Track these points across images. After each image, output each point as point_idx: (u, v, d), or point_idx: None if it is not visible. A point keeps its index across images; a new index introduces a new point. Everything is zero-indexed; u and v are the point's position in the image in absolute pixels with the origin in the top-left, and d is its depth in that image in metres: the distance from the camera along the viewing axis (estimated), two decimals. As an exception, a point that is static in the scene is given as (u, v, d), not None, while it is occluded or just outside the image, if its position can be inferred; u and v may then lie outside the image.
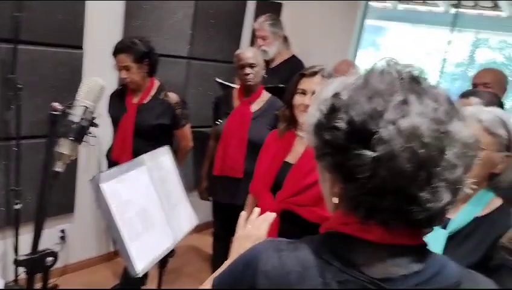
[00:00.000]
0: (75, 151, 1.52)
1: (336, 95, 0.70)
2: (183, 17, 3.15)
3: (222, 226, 2.87)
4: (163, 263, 1.91)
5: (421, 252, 0.71)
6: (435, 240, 1.32)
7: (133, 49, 2.41)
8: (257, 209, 1.19)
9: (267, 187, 1.85)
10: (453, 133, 0.64)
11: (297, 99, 1.79)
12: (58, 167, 1.51)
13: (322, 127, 0.70)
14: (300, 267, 0.71)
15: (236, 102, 2.73)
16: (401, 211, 0.65)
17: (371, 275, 0.68)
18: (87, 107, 1.52)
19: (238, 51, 2.71)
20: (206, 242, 3.29)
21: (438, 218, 0.68)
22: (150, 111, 2.55)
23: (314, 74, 1.77)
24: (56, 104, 1.49)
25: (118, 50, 2.43)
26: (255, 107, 2.66)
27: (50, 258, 1.56)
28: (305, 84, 1.78)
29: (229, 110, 2.72)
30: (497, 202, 1.31)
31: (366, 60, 3.80)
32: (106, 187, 1.51)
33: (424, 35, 3.88)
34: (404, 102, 0.64)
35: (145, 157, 1.72)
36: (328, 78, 1.74)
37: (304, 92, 1.78)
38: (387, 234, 0.68)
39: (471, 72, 3.28)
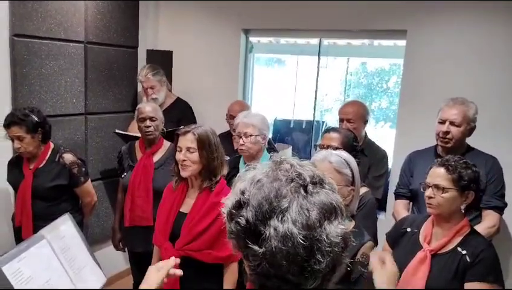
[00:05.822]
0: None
1: (243, 193, 0.83)
2: (75, 76, 3.21)
3: (141, 274, 2.93)
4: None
5: None
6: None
7: (26, 121, 2.45)
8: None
9: (166, 237, 2.01)
10: (322, 238, 0.78)
11: (177, 155, 2.00)
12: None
13: (231, 217, 0.84)
14: None
15: (139, 154, 2.86)
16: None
17: None
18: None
19: (139, 105, 2.88)
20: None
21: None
22: (45, 174, 2.60)
23: (187, 132, 2.02)
24: None
25: (10, 122, 2.45)
26: (157, 157, 2.80)
27: None
28: (180, 142, 2.02)
29: (133, 162, 2.84)
30: (351, 225, 1.60)
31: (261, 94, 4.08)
32: (6, 269, 1.58)
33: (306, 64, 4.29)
34: (286, 209, 0.78)
35: (43, 231, 1.79)
36: (199, 135, 1.98)
37: (180, 149, 2.00)
38: None
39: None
